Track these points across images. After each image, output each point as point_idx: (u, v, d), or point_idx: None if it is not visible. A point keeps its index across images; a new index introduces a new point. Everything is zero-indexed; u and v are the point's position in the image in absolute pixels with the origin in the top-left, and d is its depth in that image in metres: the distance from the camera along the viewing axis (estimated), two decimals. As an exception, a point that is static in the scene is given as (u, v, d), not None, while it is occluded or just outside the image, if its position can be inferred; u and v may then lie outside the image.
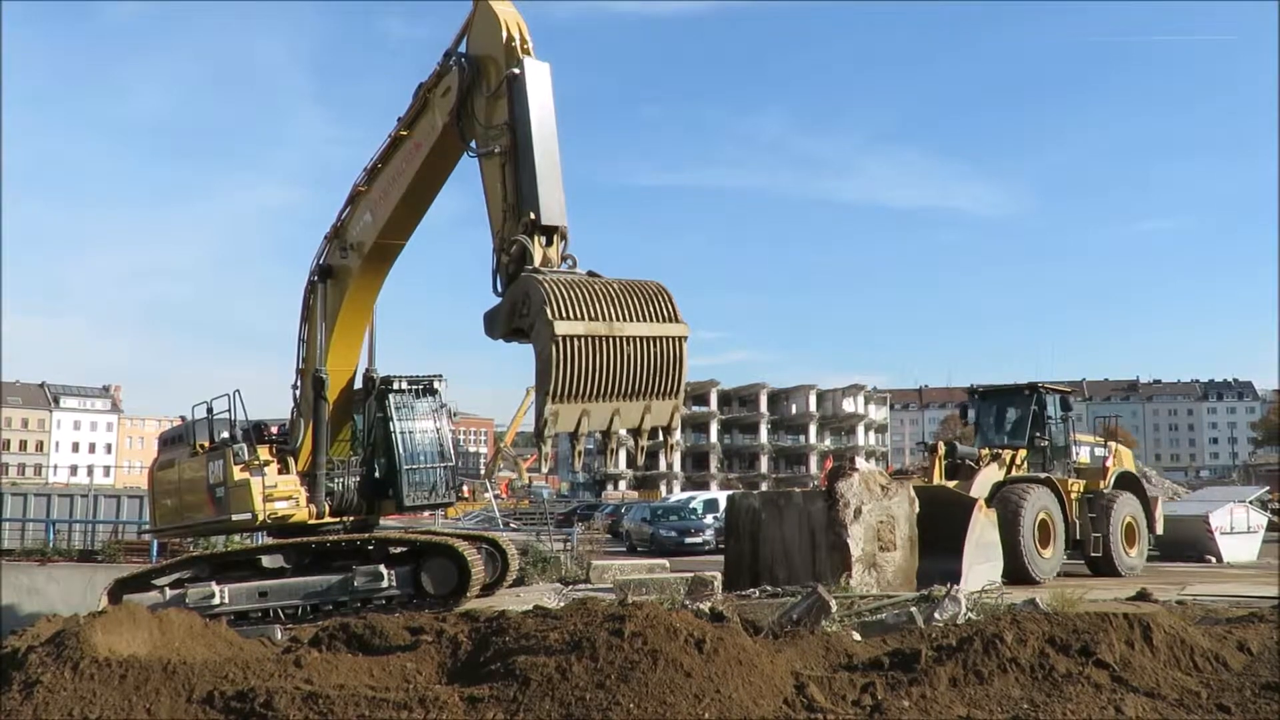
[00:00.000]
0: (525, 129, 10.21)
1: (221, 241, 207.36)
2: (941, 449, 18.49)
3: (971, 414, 20.52)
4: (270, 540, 15.03)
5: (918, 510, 15.00)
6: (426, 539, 14.99)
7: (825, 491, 14.76)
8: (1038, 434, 19.05)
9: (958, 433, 21.76)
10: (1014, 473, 18.38)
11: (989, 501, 16.87)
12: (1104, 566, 18.49)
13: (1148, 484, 32.00)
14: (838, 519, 14.15)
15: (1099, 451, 20.49)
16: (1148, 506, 20.07)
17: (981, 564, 15.22)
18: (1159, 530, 21.30)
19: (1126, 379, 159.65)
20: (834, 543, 14.12)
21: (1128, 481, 20.03)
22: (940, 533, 15.04)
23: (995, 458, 18.42)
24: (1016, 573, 15.96)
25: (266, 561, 14.23)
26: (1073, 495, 18.54)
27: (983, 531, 15.65)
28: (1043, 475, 18.38)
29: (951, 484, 17.56)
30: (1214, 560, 22.56)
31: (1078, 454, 19.96)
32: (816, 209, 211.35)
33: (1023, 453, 18.80)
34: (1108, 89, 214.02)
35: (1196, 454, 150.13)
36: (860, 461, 15.68)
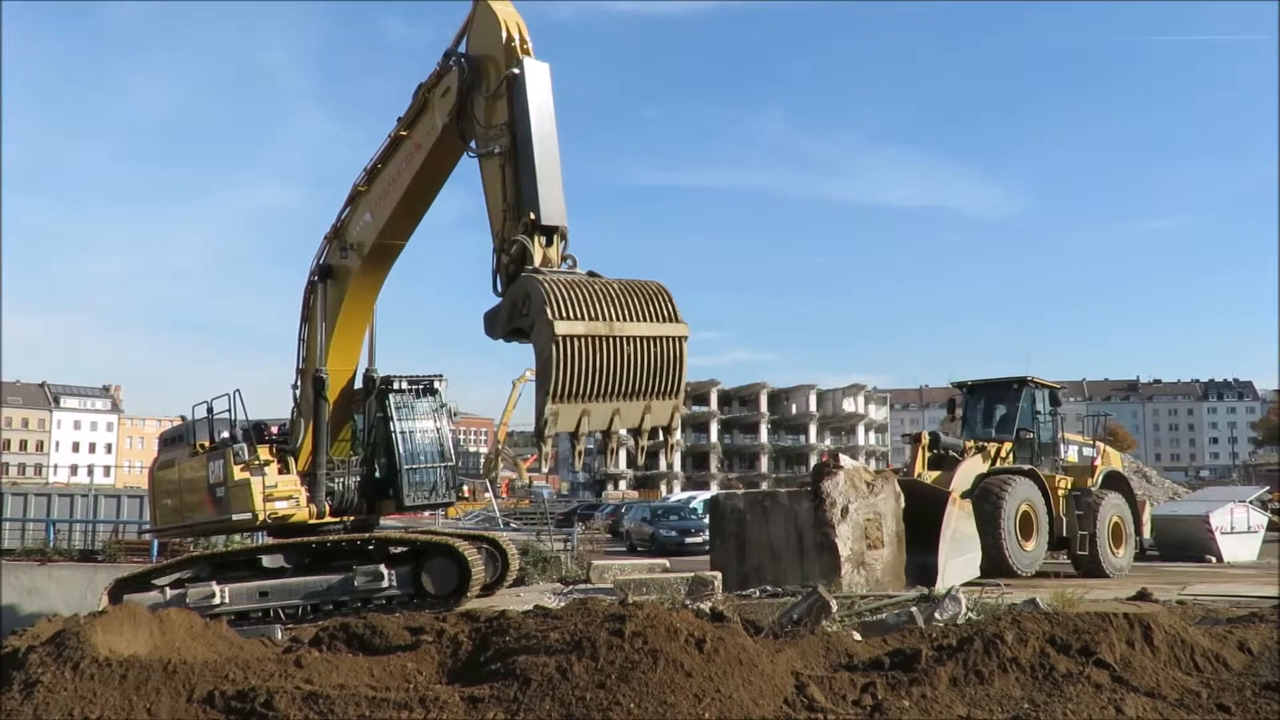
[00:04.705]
0: (525, 129, 10.20)
1: (221, 241, 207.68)
2: (925, 439, 18.29)
3: (959, 408, 20.48)
4: (270, 540, 15.01)
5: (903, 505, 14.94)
6: (427, 539, 14.97)
7: (811, 491, 14.61)
8: (1024, 429, 18.88)
9: (945, 429, 21.60)
10: (998, 465, 18.20)
11: (971, 493, 16.75)
12: (1090, 566, 18.25)
13: (1146, 484, 32.16)
14: (825, 519, 14.03)
15: (1087, 451, 20.34)
16: (1135, 508, 19.90)
17: (959, 557, 15.11)
18: (1146, 532, 21.22)
19: (1126, 379, 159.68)
20: (822, 543, 13.99)
21: (1116, 482, 19.86)
22: (917, 527, 14.95)
23: (980, 450, 18.23)
24: (997, 565, 15.74)
25: (267, 561, 14.21)
26: (1059, 492, 18.35)
27: (958, 524, 15.50)
28: (1026, 467, 18.11)
29: (934, 475, 17.39)
30: (1214, 560, 22.56)
31: (1066, 452, 19.81)
32: (816, 209, 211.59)
33: (1008, 446, 18.62)
34: (1108, 89, 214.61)
35: (1196, 454, 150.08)
36: (844, 459, 15.49)
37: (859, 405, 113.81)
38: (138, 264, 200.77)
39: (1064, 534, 18.21)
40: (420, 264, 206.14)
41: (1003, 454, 18.48)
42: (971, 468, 17.65)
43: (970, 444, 18.48)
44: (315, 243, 14.48)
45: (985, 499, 16.64)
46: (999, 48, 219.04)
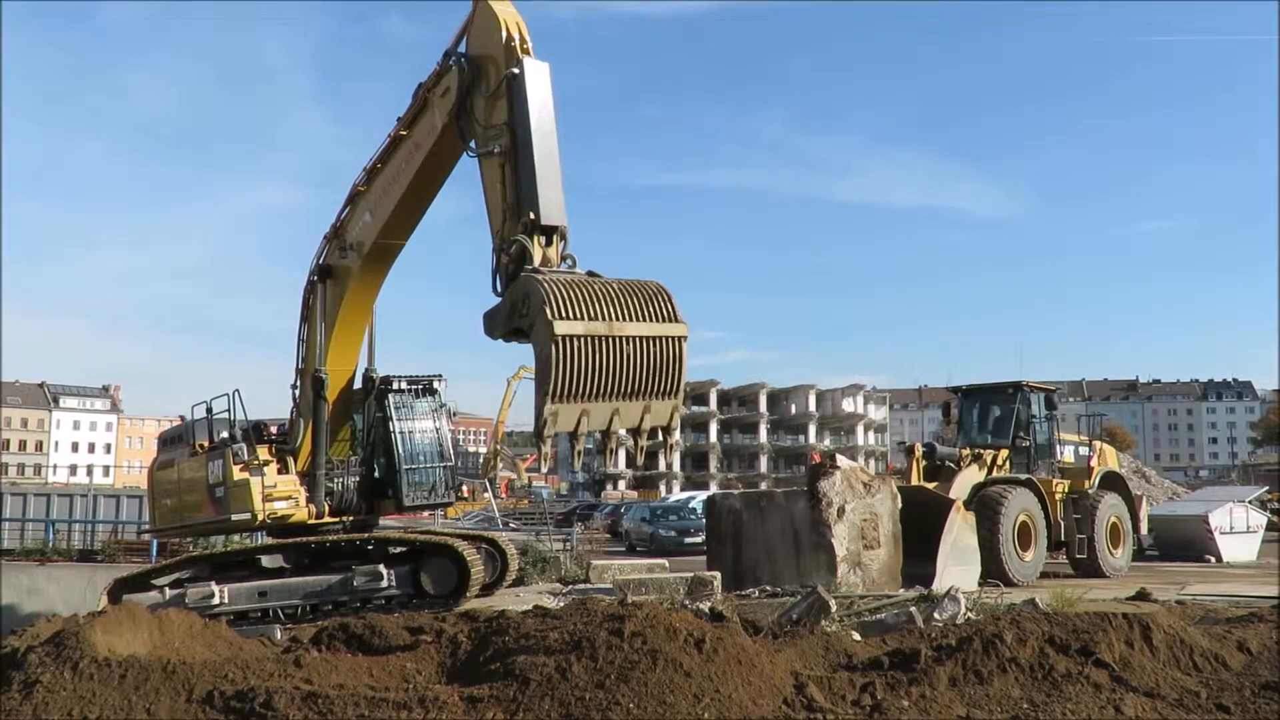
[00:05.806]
0: (525, 129, 10.19)
1: (221, 241, 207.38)
2: (919, 450, 18.22)
3: (955, 413, 20.42)
4: (270, 540, 15.00)
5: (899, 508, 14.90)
6: (426, 539, 14.97)
7: (808, 491, 14.58)
8: (1021, 434, 18.76)
9: (941, 434, 21.56)
10: (996, 473, 18.08)
11: (969, 503, 16.65)
12: (1089, 567, 18.24)
13: (1146, 483, 32.12)
14: (821, 519, 14.01)
15: (1083, 451, 20.24)
16: (1133, 506, 19.86)
17: (957, 567, 15.01)
18: (1144, 530, 21.21)
19: (1126, 379, 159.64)
20: (818, 543, 13.97)
21: (1113, 481, 19.81)
22: (916, 535, 14.87)
23: (976, 458, 18.12)
24: (996, 576, 15.60)
25: (266, 561, 14.20)
26: (1057, 496, 18.29)
27: (959, 534, 15.43)
28: (1024, 476, 18.02)
29: (932, 486, 17.27)
30: (1214, 560, 22.56)
31: (1062, 453, 19.72)
32: (816, 209, 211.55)
33: (1004, 453, 18.50)
34: (1108, 89, 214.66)
35: (1196, 454, 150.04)
36: (841, 459, 15.48)
37: (858, 405, 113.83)
38: (138, 264, 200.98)
39: (1062, 538, 18.19)
40: (420, 264, 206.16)
41: (999, 461, 18.38)
42: (968, 477, 17.58)
43: (966, 452, 18.39)
44: (315, 243, 14.48)
45: (983, 511, 16.53)
46: (999, 48, 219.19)
